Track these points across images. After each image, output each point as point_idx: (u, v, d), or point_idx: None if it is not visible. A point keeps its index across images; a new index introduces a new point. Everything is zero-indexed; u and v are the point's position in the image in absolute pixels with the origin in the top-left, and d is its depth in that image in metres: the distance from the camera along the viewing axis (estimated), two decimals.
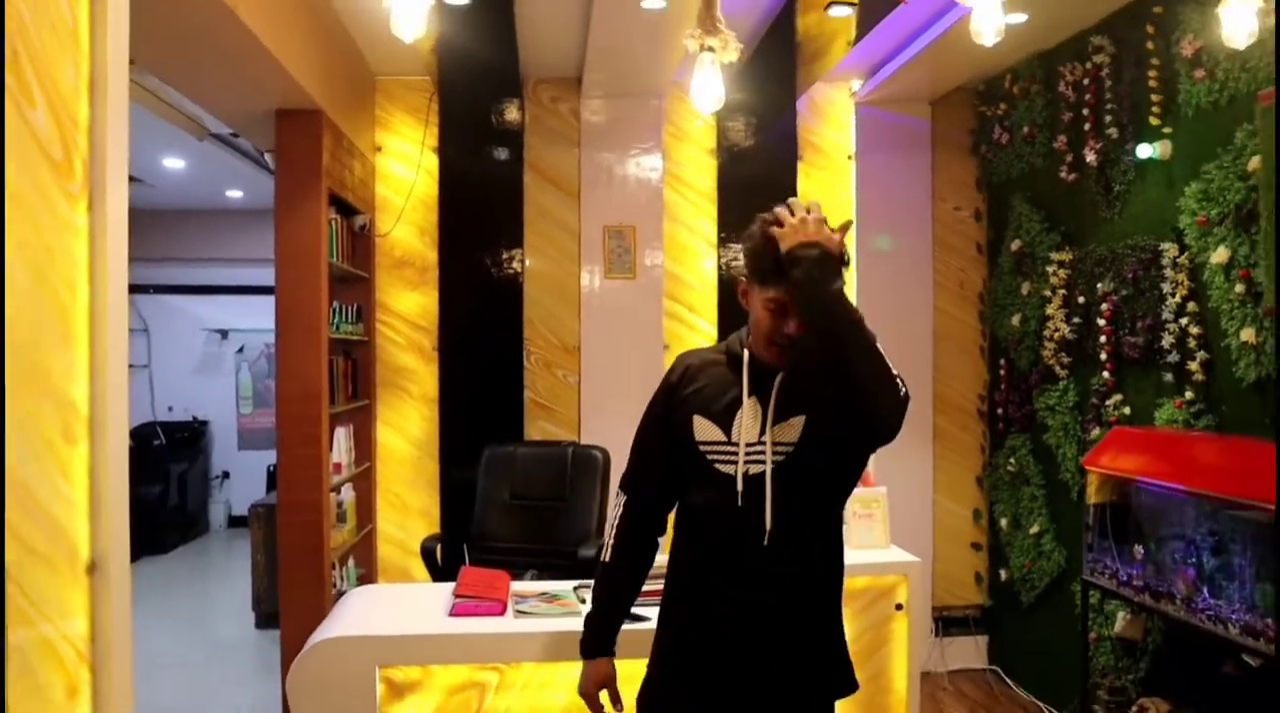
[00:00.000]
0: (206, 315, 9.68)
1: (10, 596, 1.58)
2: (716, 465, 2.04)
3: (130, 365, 7.61)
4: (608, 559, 2.26)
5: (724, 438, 2.04)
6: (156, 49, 3.31)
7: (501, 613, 2.95)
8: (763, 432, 2.01)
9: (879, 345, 1.92)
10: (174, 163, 7.41)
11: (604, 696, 2.24)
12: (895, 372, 1.92)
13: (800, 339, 1.99)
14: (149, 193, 8.53)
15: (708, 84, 2.89)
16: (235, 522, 9.22)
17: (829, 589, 2.11)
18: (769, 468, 1.99)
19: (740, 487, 2.00)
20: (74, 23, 1.81)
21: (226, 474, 9.69)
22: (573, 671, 2.75)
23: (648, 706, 2.20)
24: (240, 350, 9.49)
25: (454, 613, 2.95)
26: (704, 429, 2.07)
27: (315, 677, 2.76)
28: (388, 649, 2.79)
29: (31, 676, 1.66)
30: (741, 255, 2.19)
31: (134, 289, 8.84)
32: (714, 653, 2.07)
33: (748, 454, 2.01)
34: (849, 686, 2.16)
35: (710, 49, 2.71)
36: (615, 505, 2.27)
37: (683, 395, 2.13)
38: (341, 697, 2.75)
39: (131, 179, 7.44)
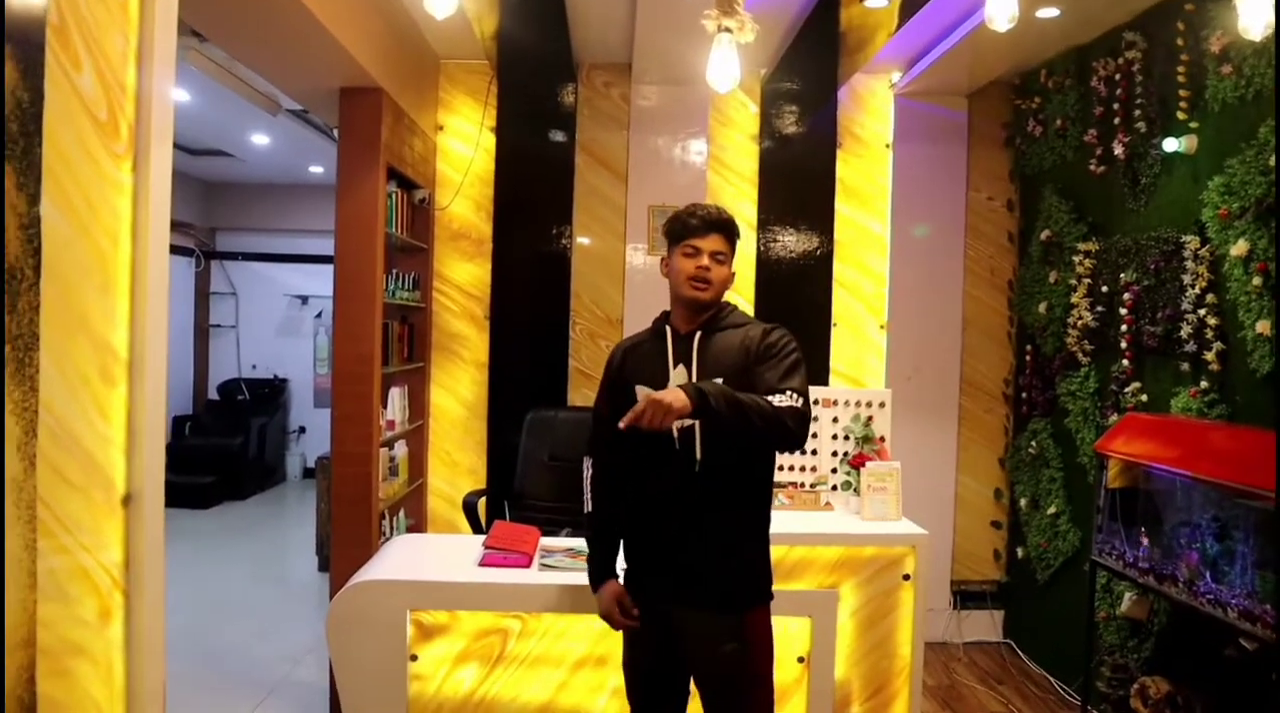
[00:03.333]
0: (288, 282, 9.85)
1: (42, 519, 1.62)
2: None
3: (219, 326, 7.77)
4: (590, 509, 2.56)
5: None
6: (226, 25, 3.35)
7: (528, 565, 2.97)
8: None
9: (746, 400, 2.13)
10: (260, 139, 7.52)
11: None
12: (781, 404, 2.16)
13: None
14: (239, 167, 8.70)
15: (724, 64, 2.83)
16: (308, 473, 9.39)
17: (752, 504, 2.40)
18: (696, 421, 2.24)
19: (675, 434, 2.31)
20: None
21: (303, 429, 9.87)
22: (592, 622, 2.78)
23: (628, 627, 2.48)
24: (318, 315, 9.64)
25: (483, 563, 2.97)
26: (642, 396, 2.23)
27: (351, 617, 2.80)
28: (418, 594, 2.82)
29: (64, 598, 1.69)
30: (664, 238, 2.48)
31: (224, 256, 9.07)
32: (659, 564, 2.38)
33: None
34: (762, 595, 2.39)
35: (728, 29, 2.65)
36: (586, 468, 2.59)
37: (624, 372, 2.45)
38: (375, 636, 2.80)
39: (222, 153, 7.61)
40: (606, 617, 2.47)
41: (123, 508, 1.83)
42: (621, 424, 2.08)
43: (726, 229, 2.38)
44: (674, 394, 2.06)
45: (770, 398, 2.16)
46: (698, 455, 2.30)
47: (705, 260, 2.33)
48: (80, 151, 1.71)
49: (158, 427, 1.89)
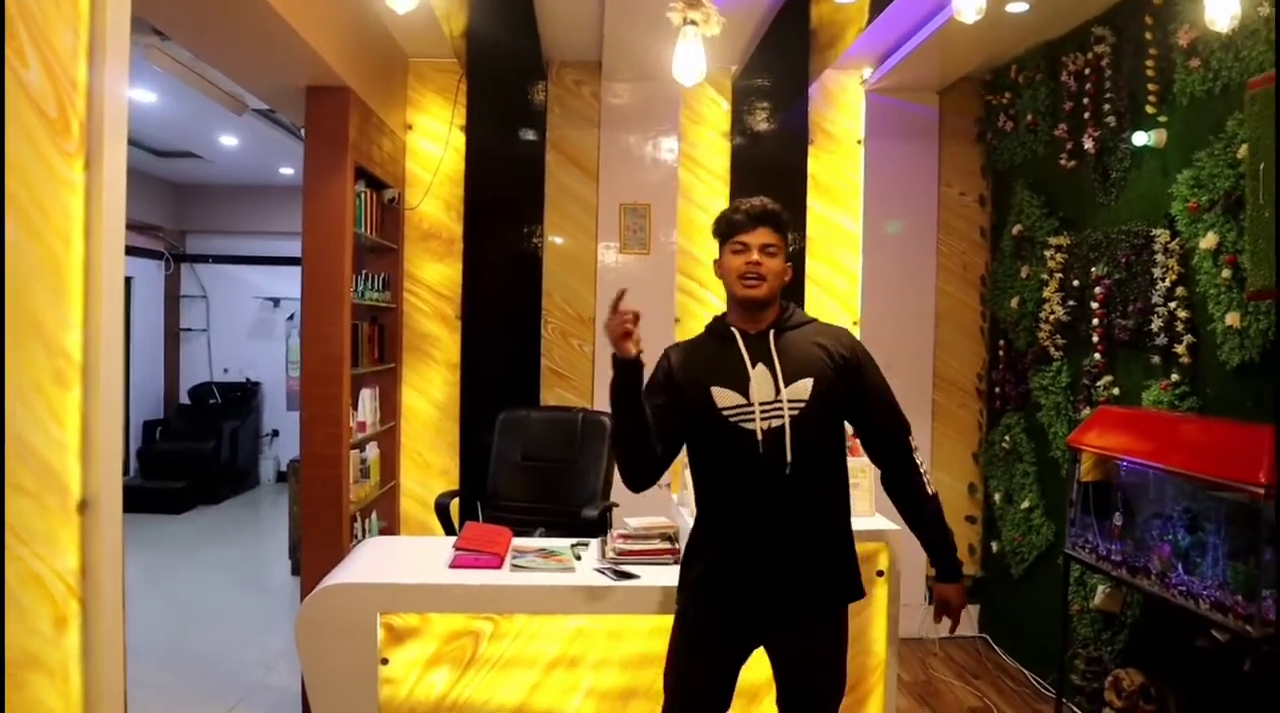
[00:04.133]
0: (260, 284, 9.76)
1: None
2: (740, 424, 2.27)
3: (190, 329, 7.67)
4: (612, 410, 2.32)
5: (744, 401, 2.28)
6: (188, 22, 3.30)
7: (499, 566, 2.94)
8: (777, 393, 2.26)
9: (941, 520, 2.49)
10: (229, 140, 7.44)
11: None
12: (924, 469, 2.48)
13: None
14: (208, 168, 8.61)
15: (690, 57, 2.81)
16: (283, 477, 9.30)
17: (840, 505, 2.40)
18: (786, 421, 2.26)
19: (760, 437, 2.25)
20: None
21: (276, 432, 9.79)
22: (563, 623, 2.76)
23: (691, 621, 2.39)
24: (291, 318, 9.55)
25: (453, 565, 2.94)
26: (724, 397, 2.29)
27: (321, 620, 2.77)
28: (389, 596, 2.79)
29: (17, 608, 1.65)
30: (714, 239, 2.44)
31: (195, 259, 8.98)
32: (753, 566, 2.29)
33: (764, 412, 2.26)
34: (859, 591, 2.40)
35: (693, 22, 2.63)
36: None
37: (689, 374, 2.35)
38: (345, 640, 2.76)
39: (190, 155, 7.52)
40: (610, 330, 2.18)
41: (78, 514, 1.79)
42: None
43: (775, 221, 2.34)
44: (956, 597, 2.46)
45: (921, 473, 2.41)
46: (788, 459, 2.25)
47: (755, 255, 2.30)
48: (29, 150, 1.66)
49: (114, 431, 1.84)
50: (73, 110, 1.77)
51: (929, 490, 2.41)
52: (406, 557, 3.12)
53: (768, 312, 2.36)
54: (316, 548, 3.95)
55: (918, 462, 2.41)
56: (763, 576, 2.30)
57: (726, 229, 2.36)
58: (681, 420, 2.35)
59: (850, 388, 2.35)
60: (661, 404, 2.33)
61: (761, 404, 2.27)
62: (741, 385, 2.29)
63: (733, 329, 2.37)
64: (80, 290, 1.79)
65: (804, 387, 2.28)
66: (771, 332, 2.34)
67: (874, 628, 3.16)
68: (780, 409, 2.26)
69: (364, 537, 4.37)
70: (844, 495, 2.41)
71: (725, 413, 2.29)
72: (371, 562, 3.05)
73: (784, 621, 2.32)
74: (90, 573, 1.80)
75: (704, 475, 2.42)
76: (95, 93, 1.83)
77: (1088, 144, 3.94)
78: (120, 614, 1.87)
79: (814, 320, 2.44)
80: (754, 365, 2.30)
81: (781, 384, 2.27)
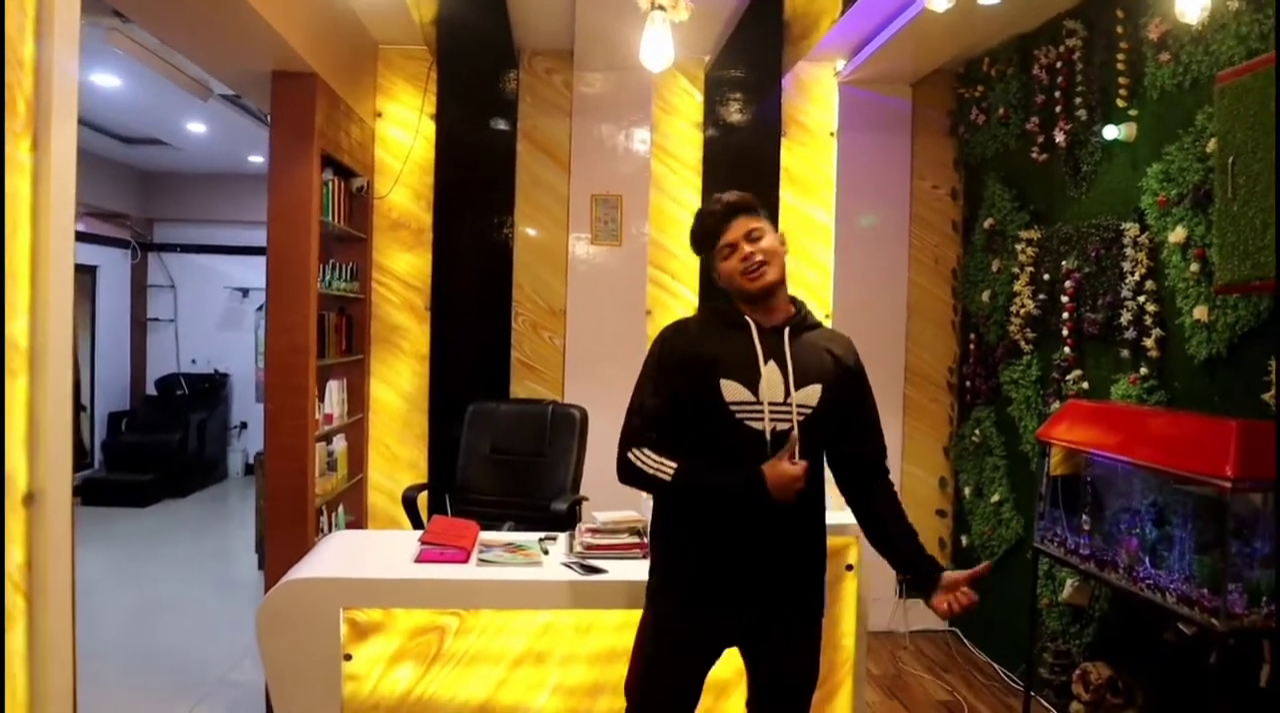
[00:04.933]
0: (229, 274, 9.64)
1: None
2: (747, 422, 2.16)
3: (157, 320, 7.56)
4: (671, 472, 2.18)
5: (752, 398, 2.16)
6: (148, 4, 3.22)
7: (465, 560, 2.90)
8: (787, 395, 2.17)
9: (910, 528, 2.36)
10: (196, 127, 7.33)
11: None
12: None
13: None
14: (176, 156, 8.49)
15: (658, 43, 2.77)
16: (251, 470, 9.19)
17: (822, 514, 2.32)
18: (795, 426, 2.17)
19: (770, 439, 2.15)
20: None
21: (244, 424, 9.67)
22: (530, 618, 2.72)
23: (668, 631, 2.28)
24: (260, 308, 9.42)
25: (419, 559, 2.89)
26: (732, 391, 2.16)
27: (283, 616, 2.71)
28: (352, 591, 2.73)
29: None
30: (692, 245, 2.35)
31: (163, 248, 8.86)
32: (742, 576, 2.20)
33: (772, 413, 2.16)
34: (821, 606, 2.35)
35: (661, 8, 2.59)
36: (634, 459, 2.22)
37: (695, 361, 2.20)
38: (307, 636, 2.71)
39: (157, 142, 7.42)
40: (781, 482, 2.11)
41: (24, 507, 1.74)
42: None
43: (745, 208, 2.23)
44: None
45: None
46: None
47: (745, 247, 2.19)
48: None
49: (62, 421, 1.79)
50: (19, 89, 1.72)
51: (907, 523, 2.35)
52: (372, 551, 3.07)
53: (780, 302, 2.25)
54: (281, 543, 3.89)
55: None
56: (752, 587, 2.21)
57: (705, 238, 2.26)
58: (679, 409, 2.21)
59: (848, 399, 2.27)
60: (665, 399, 2.22)
61: (771, 404, 2.16)
62: (751, 381, 2.16)
63: (746, 318, 2.23)
64: (27, 275, 1.73)
65: (814, 392, 2.19)
66: (788, 330, 2.23)
67: (843, 622, 3.15)
68: (789, 413, 2.17)
69: (330, 531, 4.32)
70: (823, 505, 2.33)
71: (733, 409, 2.16)
72: (336, 556, 2.99)
73: (769, 631, 2.26)
74: (37, 568, 1.75)
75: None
76: (44, 71, 1.77)
77: (1059, 137, 3.93)
78: (69, 611, 1.82)
79: (822, 323, 2.36)
80: (765, 362, 2.19)
81: (792, 386, 2.18)
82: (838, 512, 3.34)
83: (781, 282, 2.25)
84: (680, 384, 2.21)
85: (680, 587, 2.27)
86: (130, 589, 5.58)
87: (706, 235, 2.25)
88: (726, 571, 2.21)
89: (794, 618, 2.28)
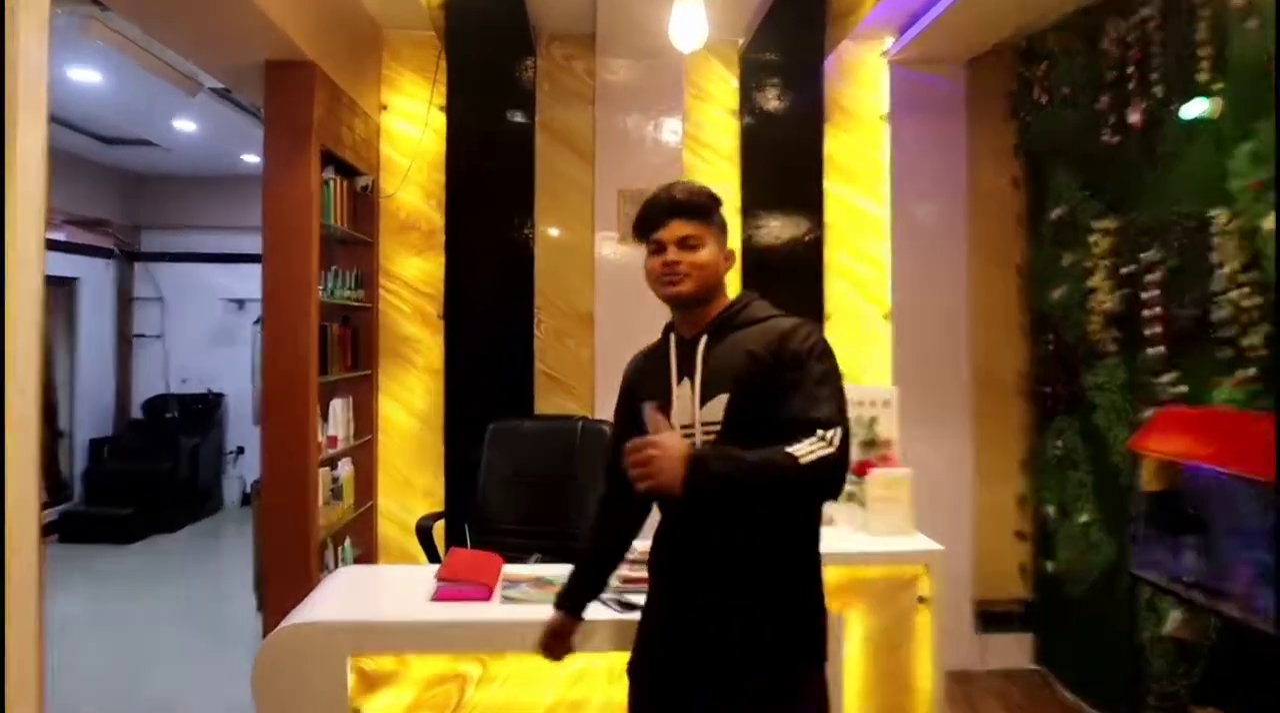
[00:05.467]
0: (223, 284, 9.65)
1: None
2: None
3: (144, 336, 7.53)
4: (587, 533, 2.46)
5: (667, 425, 2.00)
6: None
7: (487, 599, 2.82)
8: (695, 414, 2.06)
9: (759, 465, 1.83)
10: (185, 125, 7.34)
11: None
12: (808, 457, 1.81)
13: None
14: (164, 157, 8.53)
15: (689, 20, 2.68)
16: (248, 500, 9.17)
17: (780, 548, 2.06)
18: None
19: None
20: None
21: (241, 450, 9.66)
22: (562, 663, 2.61)
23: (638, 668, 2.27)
24: (257, 321, 9.43)
25: (436, 598, 2.81)
26: (657, 426, 2.01)
27: (282, 665, 2.64)
28: (360, 636, 2.66)
29: None
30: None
31: (150, 257, 8.85)
32: (673, 638, 2.14)
33: (684, 435, 2.02)
34: (816, 653, 2.07)
35: None
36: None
37: (633, 385, 2.26)
38: (310, 688, 2.62)
39: (143, 142, 7.42)
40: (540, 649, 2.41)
41: None
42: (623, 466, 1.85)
43: (688, 210, 2.12)
44: (671, 461, 1.77)
45: (794, 447, 1.81)
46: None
47: (671, 253, 2.09)
48: None
49: (29, 446, 1.72)
50: None
51: (792, 453, 1.82)
52: (382, 589, 3.03)
53: (704, 309, 2.13)
54: (282, 581, 3.83)
55: (811, 442, 1.83)
56: (693, 667, 2.08)
57: (639, 227, 2.19)
58: None
59: (771, 394, 1.97)
60: (614, 445, 2.21)
61: (683, 427, 2.03)
62: (667, 406, 2.08)
63: (671, 333, 2.20)
64: None
65: (718, 406, 2.01)
66: (705, 337, 2.10)
67: (916, 662, 3.05)
68: (694, 435, 2.02)
69: (336, 567, 4.25)
70: (788, 535, 2.06)
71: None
72: (342, 596, 2.93)
73: (731, 697, 2.02)
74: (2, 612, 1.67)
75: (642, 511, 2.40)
76: (10, 62, 1.73)
77: (1133, 117, 3.87)
78: (36, 657, 1.74)
79: (775, 315, 2.11)
80: (680, 380, 2.09)
81: (697, 404, 2.04)
82: (905, 537, 3.24)
83: (701, 296, 2.11)
84: (625, 423, 2.22)
85: (632, 657, 2.28)
86: (112, 636, 5.54)
87: (641, 225, 2.19)
88: (664, 645, 2.17)
89: (752, 675, 2.01)
